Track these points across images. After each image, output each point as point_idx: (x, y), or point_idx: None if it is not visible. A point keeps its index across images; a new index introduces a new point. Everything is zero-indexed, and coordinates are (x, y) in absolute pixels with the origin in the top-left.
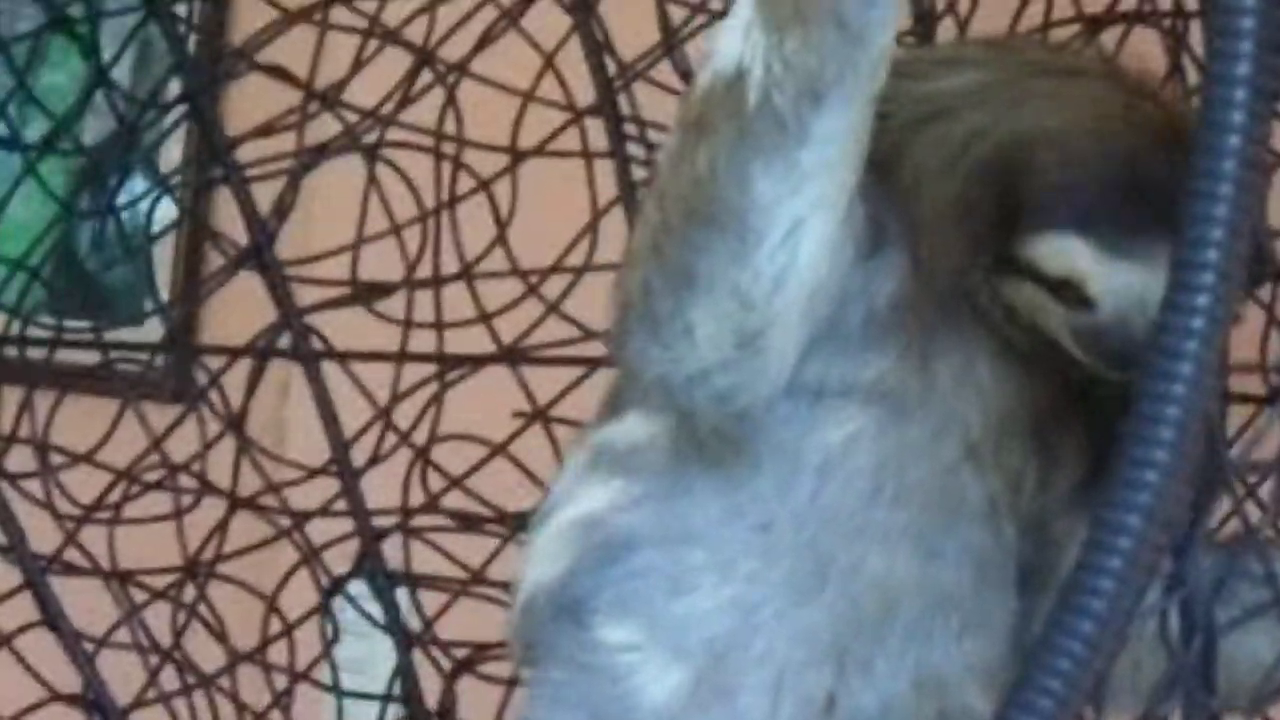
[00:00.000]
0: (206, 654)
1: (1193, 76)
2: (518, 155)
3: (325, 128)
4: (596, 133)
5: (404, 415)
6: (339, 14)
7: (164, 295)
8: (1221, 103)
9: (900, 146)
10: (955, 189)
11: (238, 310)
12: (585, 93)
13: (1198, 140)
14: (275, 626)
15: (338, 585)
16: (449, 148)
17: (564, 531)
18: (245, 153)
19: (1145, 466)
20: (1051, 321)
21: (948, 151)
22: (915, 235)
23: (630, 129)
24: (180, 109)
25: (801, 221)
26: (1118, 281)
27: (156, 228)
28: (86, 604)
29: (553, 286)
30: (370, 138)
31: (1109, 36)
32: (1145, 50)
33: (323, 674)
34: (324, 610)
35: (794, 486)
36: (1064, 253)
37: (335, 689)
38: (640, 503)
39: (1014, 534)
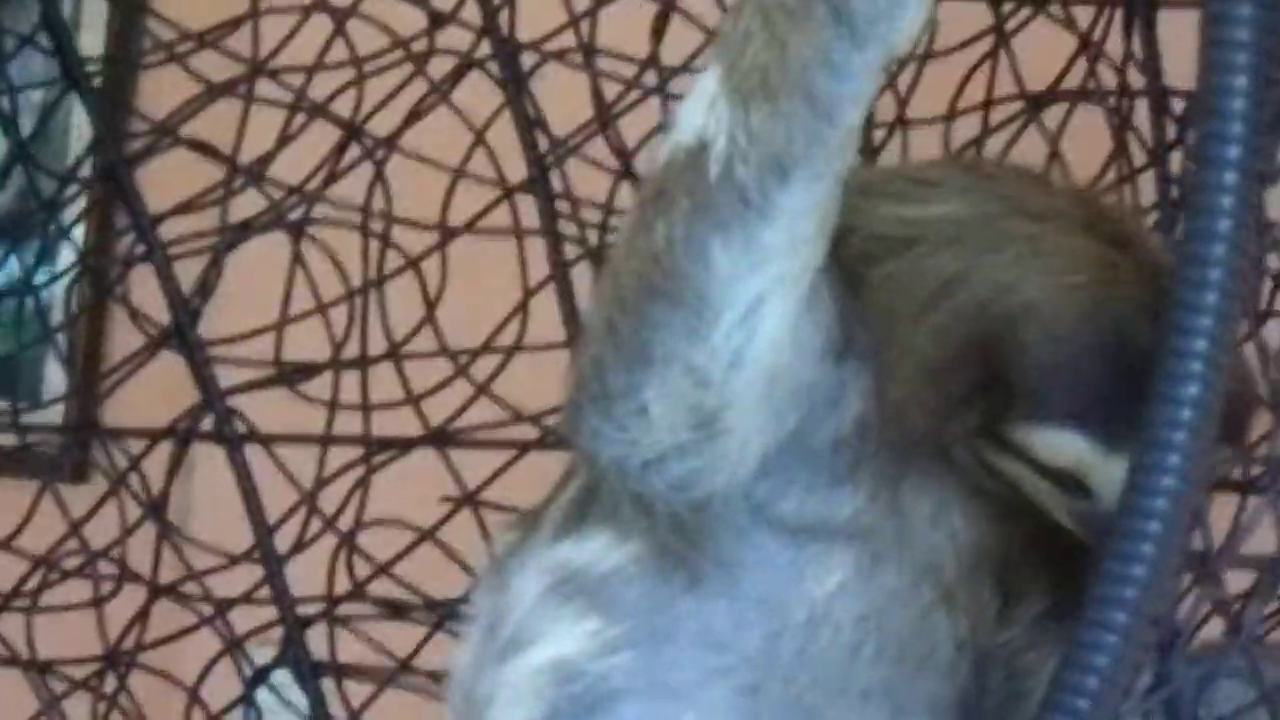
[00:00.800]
0: None
1: (1138, 156)
2: (447, 232)
3: (249, 204)
4: (528, 210)
5: (329, 500)
6: (264, 87)
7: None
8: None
9: (869, 262)
10: (931, 346)
11: (144, 390)
12: (517, 169)
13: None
14: (198, 717)
15: (261, 675)
16: (377, 225)
17: (536, 676)
18: (165, 230)
19: (1132, 561)
20: (1047, 501)
21: (923, 294)
22: (883, 372)
23: (563, 206)
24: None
25: (762, 299)
26: (1118, 473)
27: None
28: (5, 695)
29: (482, 367)
30: (296, 214)
31: (1052, 115)
32: (1089, 129)
33: None
34: (248, 701)
35: (781, 643)
36: (1064, 448)
37: None
38: (619, 648)
39: (969, 673)
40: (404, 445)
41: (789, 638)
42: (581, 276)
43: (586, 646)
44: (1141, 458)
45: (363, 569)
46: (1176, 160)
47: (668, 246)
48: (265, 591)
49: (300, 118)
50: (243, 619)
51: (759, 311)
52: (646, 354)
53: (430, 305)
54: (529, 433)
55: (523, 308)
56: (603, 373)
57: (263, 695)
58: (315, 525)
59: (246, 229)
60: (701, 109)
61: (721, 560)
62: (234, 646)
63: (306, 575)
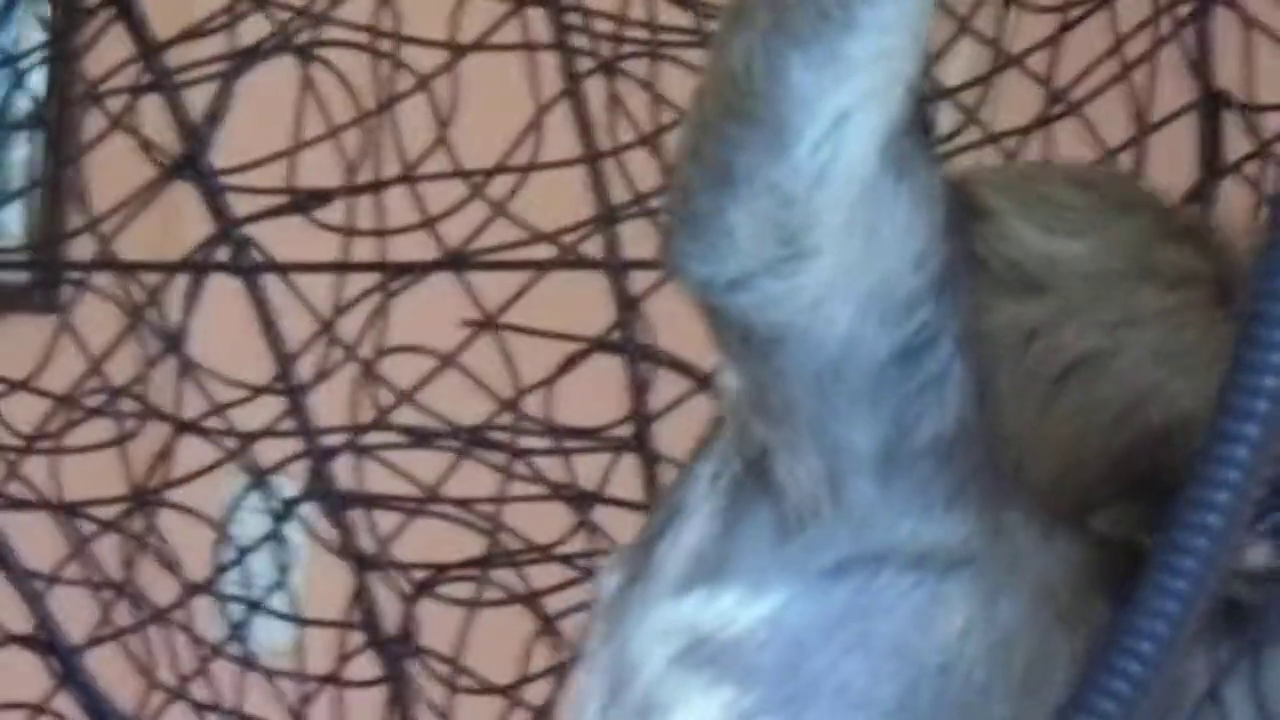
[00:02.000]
0: (159, 586)
1: None
2: (458, 50)
3: (255, 28)
4: (539, 24)
5: (347, 329)
6: None
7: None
8: None
9: (998, 293)
10: (1068, 438)
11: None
12: None
13: None
14: (227, 553)
15: (289, 508)
16: (386, 45)
17: None
18: (171, 58)
19: (1246, 418)
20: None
21: (1051, 373)
22: (998, 410)
23: (574, 19)
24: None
25: (847, 115)
26: None
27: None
28: (32, 540)
29: (498, 187)
30: (304, 37)
31: None
32: None
33: (278, 601)
34: (276, 535)
35: (919, 692)
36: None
37: (293, 616)
38: (757, 716)
39: None
40: (421, 270)
41: (925, 686)
42: (595, 89)
43: (723, 718)
44: (1250, 334)
45: (385, 398)
46: None
47: (746, 65)
48: (289, 424)
49: None
50: (267, 453)
51: (843, 128)
52: (730, 175)
53: (443, 125)
54: (547, 252)
55: (536, 124)
56: (689, 196)
57: (291, 529)
58: (335, 355)
59: (254, 54)
60: None
61: (852, 609)
62: (260, 480)
63: (329, 406)
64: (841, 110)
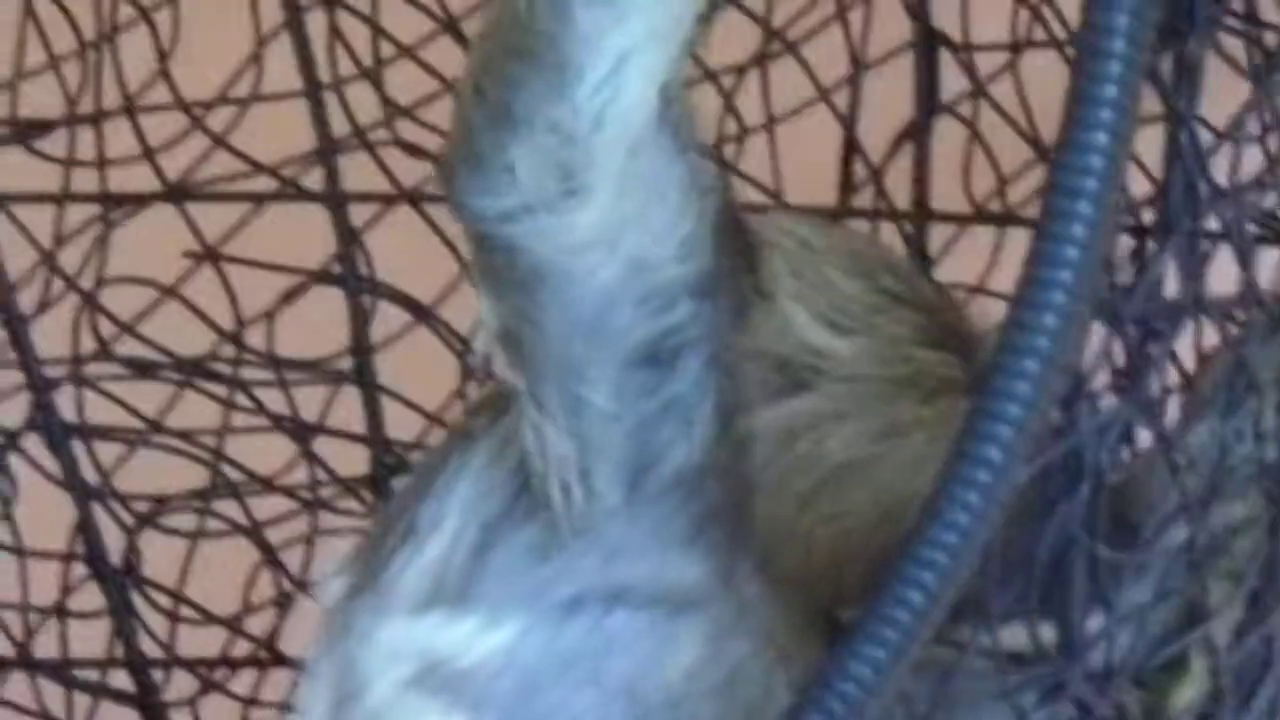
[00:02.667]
0: None
1: None
2: None
3: None
4: None
5: (69, 261)
6: None
7: None
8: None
9: (766, 392)
10: (824, 539)
11: None
12: None
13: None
14: None
15: (12, 440)
16: None
17: None
18: None
19: (1043, 309)
20: None
21: (808, 483)
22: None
23: None
24: None
25: (627, 56)
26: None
27: None
28: None
29: (219, 119)
30: None
31: None
32: None
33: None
34: (0, 468)
35: None
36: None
37: (18, 550)
38: None
39: None
40: (141, 201)
41: None
42: (316, 22)
43: None
44: (1050, 206)
45: (108, 330)
46: None
47: (529, 4)
48: (11, 356)
49: None
50: None
51: (623, 69)
52: (512, 114)
53: (163, 56)
54: (268, 184)
55: (257, 57)
56: (471, 133)
57: (14, 461)
58: (57, 287)
59: None
60: None
61: (585, 646)
62: None
63: (51, 338)
64: (622, 51)
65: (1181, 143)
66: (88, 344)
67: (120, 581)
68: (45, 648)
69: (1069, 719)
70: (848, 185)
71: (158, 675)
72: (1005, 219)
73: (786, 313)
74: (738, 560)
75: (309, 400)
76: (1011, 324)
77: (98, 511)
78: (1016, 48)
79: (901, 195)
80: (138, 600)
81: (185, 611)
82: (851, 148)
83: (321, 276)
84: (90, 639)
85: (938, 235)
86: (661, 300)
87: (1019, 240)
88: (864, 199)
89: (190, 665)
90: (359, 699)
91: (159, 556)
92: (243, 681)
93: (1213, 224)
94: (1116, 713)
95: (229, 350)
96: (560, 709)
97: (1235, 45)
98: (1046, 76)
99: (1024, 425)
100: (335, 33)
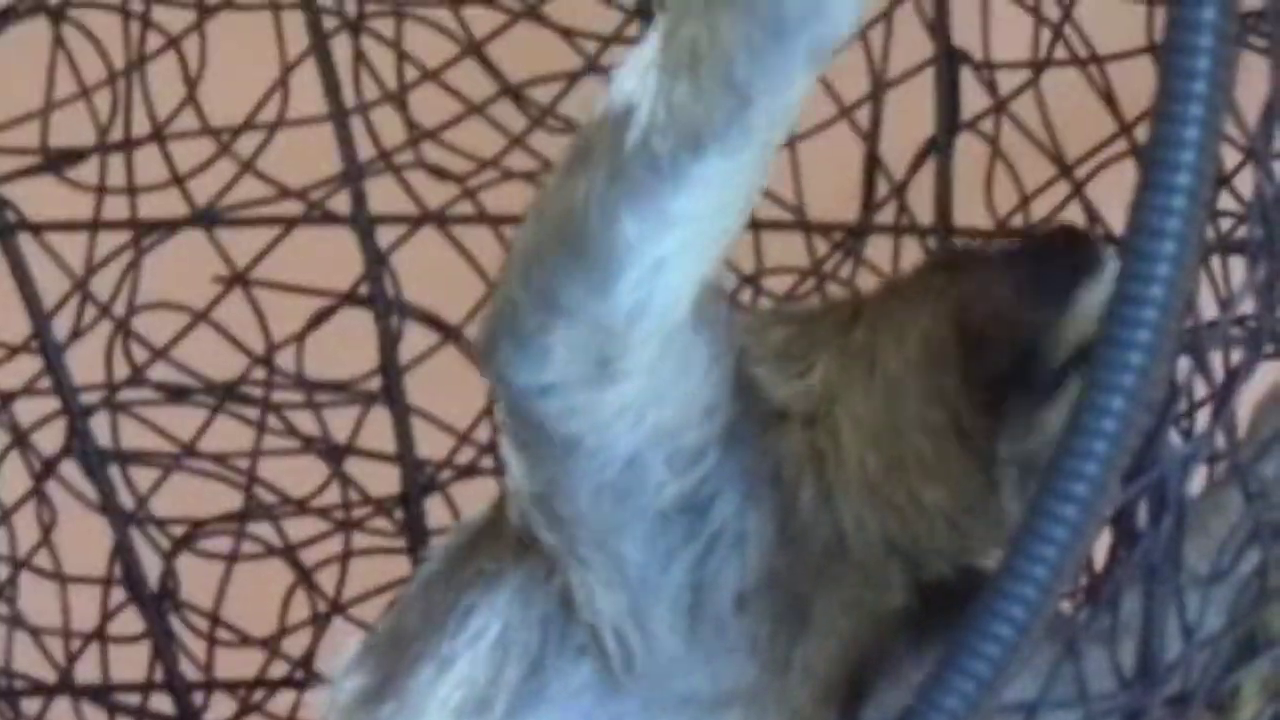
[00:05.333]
0: None
1: None
2: (204, 10)
3: None
4: None
5: (102, 287)
6: None
7: None
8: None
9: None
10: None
11: None
12: None
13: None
14: None
15: (50, 467)
16: (137, 6)
17: None
18: None
19: (1129, 348)
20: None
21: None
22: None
23: None
24: None
25: (664, 262)
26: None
27: None
28: None
29: (246, 145)
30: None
31: None
32: None
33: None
34: (39, 494)
35: None
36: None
37: (58, 575)
38: None
39: None
40: (171, 226)
41: None
42: (341, 48)
43: None
44: (1134, 247)
45: (140, 355)
46: None
47: (584, 205)
48: (47, 383)
49: None
50: (25, 414)
51: (660, 273)
52: (556, 302)
53: (191, 84)
54: (296, 208)
55: (282, 83)
56: (515, 313)
57: (52, 488)
58: (90, 313)
59: (8, 16)
60: (635, 75)
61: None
62: (21, 440)
63: (85, 364)
64: (660, 258)
65: (1261, 179)
66: (121, 369)
67: (158, 605)
68: (87, 672)
69: None
70: (870, 202)
71: (197, 697)
72: (1027, 234)
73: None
74: (793, 652)
75: (339, 421)
76: (1099, 362)
77: (135, 536)
78: (1037, 65)
79: (923, 211)
80: (176, 623)
81: (222, 634)
82: (873, 164)
83: (350, 298)
84: (130, 662)
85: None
86: (689, 457)
87: None
88: (886, 215)
89: (229, 687)
90: None
91: (195, 579)
92: (281, 702)
93: None
94: None
95: (260, 373)
96: None
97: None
98: (1067, 93)
99: (1107, 467)
100: (360, 58)
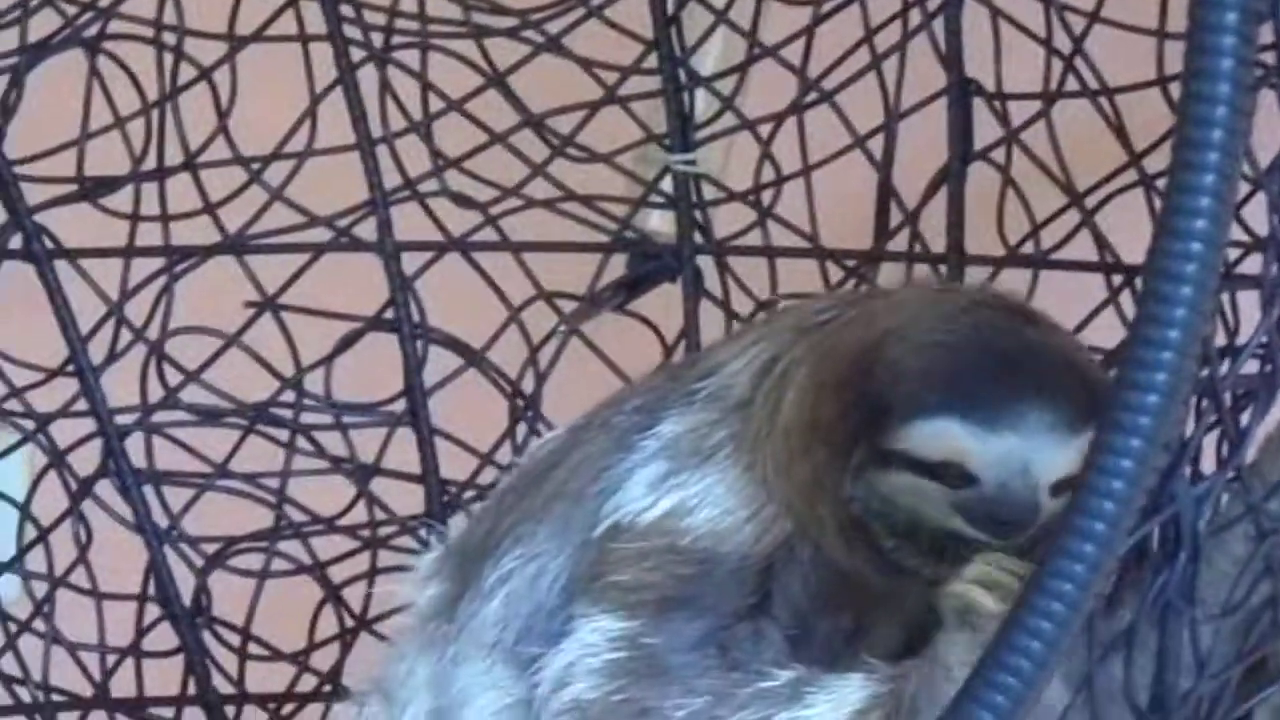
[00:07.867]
0: None
1: None
2: (236, 42)
3: (45, 22)
4: (313, 17)
5: (136, 312)
6: None
7: None
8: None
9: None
10: (809, 411)
11: None
12: None
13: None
14: (29, 533)
15: (86, 487)
16: (170, 38)
17: None
18: None
19: (1146, 390)
20: (932, 503)
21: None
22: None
23: (347, 11)
24: None
25: None
26: (995, 453)
27: None
28: None
29: (275, 173)
30: (91, 31)
31: None
32: None
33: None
34: (75, 513)
35: None
36: (941, 437)
37: (94, 592)
38: None
39: None
40: (204, 253)
41: None
42: (367, 79)
43: None
44: (1152, 285)
45: (174, 378)
46: None
47: None
48: (83, 405)
49: None
50: (63, 435)
51: None
52: None
53: (222, 114)
54: (323, 235)
55: (311, 112)
56: None
57: (88, 507)
58: (125, 337)
59: (45, 47)
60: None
61: None
62: (58, 461)
63: (121, 387)
64: None
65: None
66: (155, 392)
67: (191, 621)
68: (122, 686)
69: None
70: (883, 230)
71: (229, 710)
72: (1038, 262)
73: None
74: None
75: (366, 442)
76: (1115, 404)
77: (168, 554)
78: (1049, 96)
79: (936, 239)
80: (208, 638)
81: (253, 649)
82: (887, 193)
83: (376, 323)
84: (164, 677)
85: (972, 277)
86: None
87: (1051, 282)
88: (899, 242)
89: (260, 700)
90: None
91: (227, 596)
92: (310, 715)
93: None
94: None
95: (289, 395)
96: None
97: None
98: (1077, 124)
99: (1124, 505)
100: (386, 89)
